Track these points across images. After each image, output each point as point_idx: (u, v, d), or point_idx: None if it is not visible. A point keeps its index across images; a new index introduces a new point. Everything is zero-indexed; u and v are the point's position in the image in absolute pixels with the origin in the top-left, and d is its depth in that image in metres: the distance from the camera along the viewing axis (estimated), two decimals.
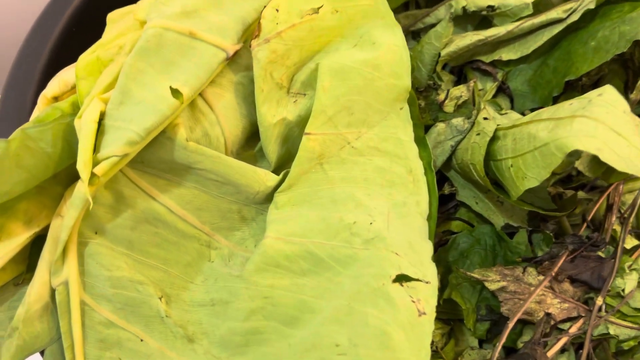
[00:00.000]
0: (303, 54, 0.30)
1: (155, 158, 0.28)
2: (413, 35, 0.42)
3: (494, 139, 0.31)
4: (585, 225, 0.31)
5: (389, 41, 0.30)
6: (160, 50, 0.27)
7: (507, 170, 0.29)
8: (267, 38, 0.28)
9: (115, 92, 0.26)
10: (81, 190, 0.25)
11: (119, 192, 0.28)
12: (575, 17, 0.35)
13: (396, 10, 0.42)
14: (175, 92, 0.26)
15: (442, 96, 0.35)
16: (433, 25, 0.41)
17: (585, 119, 0.25)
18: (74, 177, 0.29)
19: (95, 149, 0.26)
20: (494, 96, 0.39)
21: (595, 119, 0.25)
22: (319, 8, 0.29)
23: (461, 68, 0.40)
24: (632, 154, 0.24)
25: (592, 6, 0.35)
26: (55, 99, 0.30)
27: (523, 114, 0.38)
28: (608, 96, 0.26)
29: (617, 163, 0.24)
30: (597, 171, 0.28)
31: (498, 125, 0.31)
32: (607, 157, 0.24)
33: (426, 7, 0.45)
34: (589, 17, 0.36)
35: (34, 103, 0.38)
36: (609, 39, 0.33)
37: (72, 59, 0.39)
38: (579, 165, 0.28)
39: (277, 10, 0.28)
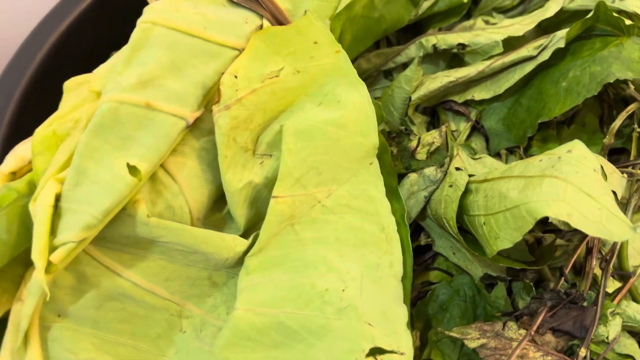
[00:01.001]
0: (267, 115, 0.29)
1: (117, 234, 0.27)
2: (385, 74, 0.42)
3: (467, 192, 0.30)
4: (562, 279, 0.30)
5: (354, 99, 0.29)
6: (116, 126, 0.26)
7: (480, 228, 0.28)
8: (228, 105, 0.28)
9: (71, 172, 0.25)
10: (38, 279, 0.24)
11: (81, 272, 0.27)
12: (546, 56, 0.35)
13: (368, 49, 0.42)
14: (133, 169, 0.26)
15: (414, 143, 0.34)
16: (405, 64, 0.41)
17: (555, 179, 0.25)
18: None
19: (52, 231, 0.25)
20: (469, 136, 0.38)
21: (565, 180, 0.24)
22: (279, 70, 0.29)
23: (434, 108, 0.39)
24: (603, 216, 0.23)
25: (562, 45, 0.34)
26: (13, 174, 0.29)
27: (498, 154, 0.37)
28: (577, 152, 0.26)
29: (588, 228, 0.23)
30: (571, 225, 0.27)
31: (470, 177, 0.30)
32: (577, 223, 0.23)
33: (398, 44, 0.44)
34: (560, 53, 0.35)
35: None
36: (580, 80, 0.33)
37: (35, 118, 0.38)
38: (553, 220, 0.27)
39: (236, 77, 0.27)
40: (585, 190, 0.24)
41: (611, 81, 0.31)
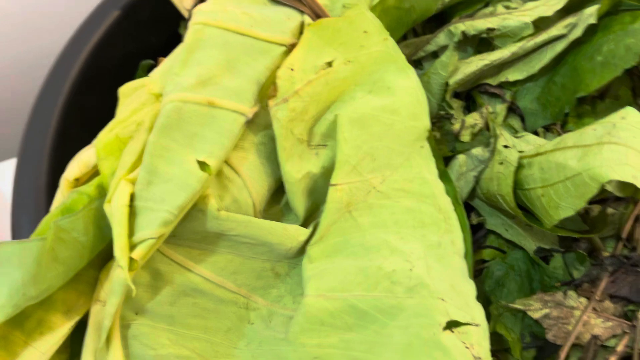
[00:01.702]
0: (320, 106, 0.30)
1: (188, 231, 0.28)
2: (415, 63, 0.43)
3: (519, 167, 0.31)
4: (620, 244, 0.31)
5: (404, 84, 0.30)
6: (182, 124, 0.27)
7: (537, 200, 0.29)
8: (285, 98, 0.28)
9: (142, 172, 0.26)
10: (121, 277, 0.25)
11: (156, 269, 0.28)
12: (578, 33, 0.36)
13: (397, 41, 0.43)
14: (203, 165, 0.26)
15: (457, 126, 0.35)
16: (434, 53, 0.42)
17: (614, 145, 0.25)
18: (107, 258, 0.29)
19: (129, 231, 0.26)
20: (505, 117, 0.39)
21: (625, 145, 0.25)
22: (332, 61, 0.29)
23: (468, 92, 0.40)
24: None
25: (593, 21, 0.35)
26: (77, 180, 0.30)
27: (536, 132, 0.38)
28: (632, 119, 0.26)
29: None
30: (628, 191, 0.28)
31: (520, 152, 0.31)
32: None
33: (423, 34, 0.45)
34: (590, 30, 0.36)
35: (49, 175, 0.38)
36: (616, 53, 0.34)
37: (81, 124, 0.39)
38: (608, 186, 0.28)
39: (292, 70, 0.28)
40: None
41: None
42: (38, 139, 0.39)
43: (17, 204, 0.35)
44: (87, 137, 0.41)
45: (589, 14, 0.36)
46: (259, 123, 0.30)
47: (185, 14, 0.41)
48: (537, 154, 0.30)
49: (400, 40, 0.43)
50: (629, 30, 0.34)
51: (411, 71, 0.30)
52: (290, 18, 0.32)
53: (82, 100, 0.42)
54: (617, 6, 0.37)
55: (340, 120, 0.30)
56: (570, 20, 0.37)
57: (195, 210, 0.27)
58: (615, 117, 0.27)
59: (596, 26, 0.36)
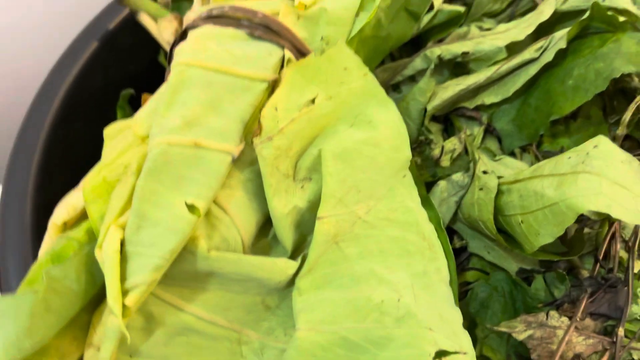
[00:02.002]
0: (304, 141, 0.31)
1: (179, 272, 0.28)
2: (393, 87, 0.44)
3: (498, 193, 0.32)
4: (598, 264, 0.32)
5: (385, 118, 0.31)
6: (169, 167, 0.27)
7: (517, 226, 0.30)
8: (270, 136, 0.29)
9: (132, 216, 0.26)
10: (115, 323, 0.25)
11: (148, 312, 0.28)
12: (549, 57, 0.37)
13: (374, 67, 0.44)
14: (192, 207, 0.27)
15: (436, 151, 0.36)
16: (412, 77, 0.43)
17: (589, 174, 0.26)
18: (98, 300, 0.29)
19: (121, 276, 0.26)
20: (482, 139, 0.40)
21: (598, 174, 0.26)
22: (314, 98, 0.30)
23: (446, 115, 0.41)
24: (639, 205, 0.25)
25: (563, 45, 0.36)
26: (65, 224, 0.30)
27: (513, 153, 0.39)
28: (604, 147, 0.28)
29: (628, 217, 0.25)
30: (603, 214, 0.29)
31: (499, 179, 0.32)
32: (617, 213, 0.25)
33: (400, 57, 0.46)
34: (561, 53, 0.38)
35: (33, 214, 0.38)
36: (586, 77, 0.35)
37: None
38: (586, 212, 0.29)
39: (276, 109, 0.29)
40: (619, 182, 0.26)
41: (617, 76, 0.33)
42: (21, 177, 0.39)
43: (2, 246, 0.35)
44: (69, 172, 0.41)
45: (559, 38, 0.37)
46: (244, 160, 0.31)
47: (166, 46, 0.41)
48: (516, 181, 0.31)
49: (378, 64, 0.44)
50: (597, 54, 0.35)
51: (391, 105, 0.31)
52: (271, 53, 0.33)
53: (64, 133, 0.42)
54: (585, 29, 0.38)
55: (324, 155, 0.30)
56: (541, 43, 0.38)
57: (185, 251, 0.27)
58: (589, 146, 0.28)
59: (566, 49, 0.38)
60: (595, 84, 0.34)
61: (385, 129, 0.31)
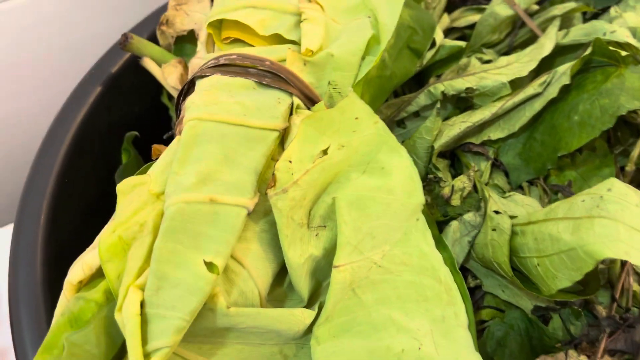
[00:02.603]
0: (317, 189, 0.31)
1: (199, 329, 0.28)
2: (398, 123, 0.44)
3: (512, 234, 0.32)
4: (615, 303, 0.32)
5: (397, 164, 0.31)
6: (186, 226, 0.27)
7: (534, 268, 0.30)
8: (285, 188, 0.29)
9: (151, 278, 0.26)
10: None
11: None
12: (553, 93, 0.37)
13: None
14: (210, 265, 0.27)
15: (446, 190, 0.36)
16: (416, 113, 0.43)
17: (605, 220, 0.27)
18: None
19: (142, 340, 0.26)
20: (490, 173, 0.40)
21: (615, 219, 0.26)
22: (327, 149, 0.30)
23: (453, 151, 0.41)
24: None
25: (566, 81, 0.37)
26: (80, 282, 0.29)
27: (520, 187, 0.40)
28: (618, 190, 0.28)
29: None
30: None
31: (513, 220, 0.32)
32: (636, 260, 0.25)
33: (403, 92, 0.47)
34: (564, 87, 0.38)
35: (44, 265, 0.38)
36: (592, 114, 0.35)
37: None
38: None
39: (290, 162, 0.29)
40: (636, 227, 0.26)
41: (623, 113, 0.34)
42: (30, 228, 0.38)
43: (14, 300, 0.35)
44: (78, 219, 0.41)
45: (562, 73, 0.38)
46: (258, 211, 0.31)
47: (171, 91, 0.41)
48: (530, 223, 0.31)
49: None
50: (602, 90, 0.36)
51: (403, 150, 0.31)
52: (280, 101, 0.33)
53: (71, 180, 0.42)
54: (587, 63, 0.39)
55: (338, 203, 0.30)
56: (544, 78, 0.39)
57: (205, 309, 0.27)
58: (602, 189, 0.28)
59: (570, 84, 0.38)
60: (601, 120, 0.34)
61: (398, 174, 0.31)
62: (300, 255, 0.30)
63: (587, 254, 0.26)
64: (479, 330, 0.35)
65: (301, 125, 0.29)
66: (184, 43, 0.45)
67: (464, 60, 0.48)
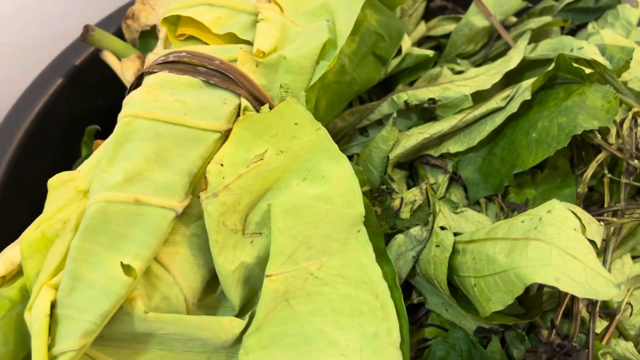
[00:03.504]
0: (253, 195, 0.30)
1: (116, 332, 0.27)
2: (360, 131, 0.43)
3: (454, 252, 0.31)
4: (554, 331, 0.31)
5: (337, 172, 0.30)
6: (107, 226, 0.26)
7: (471, 288, 0.29)
8: (216, 192, 0.28)
9: (65, 277, 0.25)
10: None
11: None
12: (514, 108, 0.36)
13: (341, 110, 0.43)
14: (127, 268, 0.26)
15: (397, 202, 0.35)
16: (379, 121, 0.42)
17: (540, 242, 0.26)
18: None
19: (50, 340, 0.25)
20: (447, 186, 0.39)
21: (549, 243, 0.25)
22: (263, 153, 0.29)
23: (412, 162, 0.40)
24: (588, 276, 0.24)
25: (528, 97, 0.36)
26: (3, 277, 0.29)
27: (478, 202, 0.39)
28: (557, 212, 0.27)
29: (576, 290, 0.24)
30: None
31: (456, 237, 0.31)
32: (565, 286, 0.24)
33: (369, 99, 0.46)
34: (527, 103, 0.37)
35: None
36: (549, 131, 0.34)
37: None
38: None
39: (222, 165, 0.28)
40: (569, 252, 0.25)
41: (579, 132, 0.32)
42: None
43: None
44: (29, 213, 0.40)
45: (525, 88, 0.37)
46: (191, 214, 0.30)
47: (128, 86, 0.41)
48: (471, 241, 0.30)
49: (346, 107, 0.44)
50: (562, 107, 0.35)
51: (344, 159, 0.30)
52: (226, 102, 0.32)
53: (22, 173, 0.41)
54: (552, 79, 0.38)
55: (274, 210, 0.29)
56: (508, 92, 0.38)
57: (121, 313, 0.26)
58: (542, 211, 0.27)
59: (533, 99, 0.37)
60: (557, 139, 0.33)
61: (338, 184, 0.30)
62: (231, 262, 0.29)
63: (518, 277, 0.25)
64: (421, 349, 0.34)
65: (235, 128, 0.29)
66: (149, 38, 0.44)
67: (436, 70, 0.47)
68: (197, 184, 0.30)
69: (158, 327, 0.27)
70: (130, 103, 0.30)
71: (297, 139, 0.30)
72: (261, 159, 0.29)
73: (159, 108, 0.30)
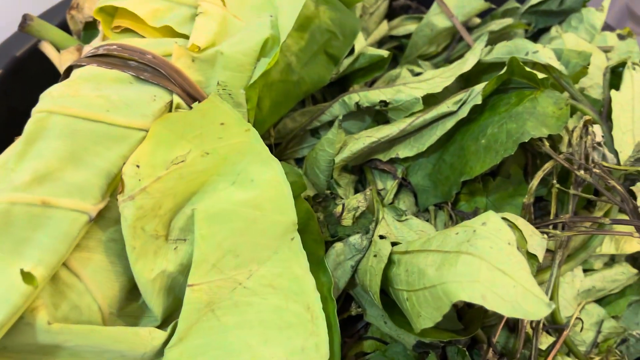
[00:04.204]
0: (177, 199, 0.28)
1: (18, 344, 0.25)
2: (312, 132, 0.41)
3: (390, 263, 0.29)
4: (491, 350, 0.29)
5: (268, 177, 0.28)
6: (8, 229, 0.24)
7: (404, 302, 0.27)
8: (132, 195, 0.26)
9: None
10: None
11: None
12: (464, 112, 0.35)
13: (293, 108, 0.41)
14: (28, 276, 0.24)
15: (339, 208, 0.34)
16: (330, 122, 0.40)
17: (470, 257, 0.24)
18: None
19: None
20: (397, 192, 0.38)
21: (480, 257, 0.24)
22: (186, 154, 0.27)
23: (361, 166, 0.39)
24: (518, 294, 0.23)
25: (478, 101, 0.34)
26: None
27: (428, 210, 0.37)
28: (492, 225, 0.25)
29: (504, 309, 0.22)
30: None
31: (393, 247, 0.30)
32: (492, 305, 0.22)
33: (323, 99, 0.44)
34: (479, 108, 0.35)
35: None
36: (498, 138, 0.33)
37: None
38: None
39: (138, 166, 0.26)
40: (500, 267, 0.23)
41: (526, 140, 0.31)
42: None
43: None
44: None
45: (477, 92, 0.35)
46: (108, 217, 0.28)
47: None
48: (406, 252, 0.28)
49: (298, 107, 0.42)
50: (512, 113, 0.33)
51: (276, 163, 0.29)
52: (156, 98, 0.30)
53: None
54: (507, 83, 0.36)
55: (197, 215, 0.28)
56: (460, 96, 0.36)
57: (22, 323, 0.24)
58: (477, 222, 0.26)
59: (485, 104, 0.36)
60: (505, 146, 0.32)
61: (268, 189, 0.28)
62: (151, 269, 0.28)
63: (445, 294, 0.24)
64: None
65: (153, 127, 0.27)
66: (93, 30, 0.42)
67: (396, 71, 0.46)
68: (116, 186, 0.28)
69: (65, 338, 0.25)
70: (47, 97, 0.28)
71: (223, 139, 0.28)
72: (183, 161, 0.27)
73: (78, 104, 0.28)
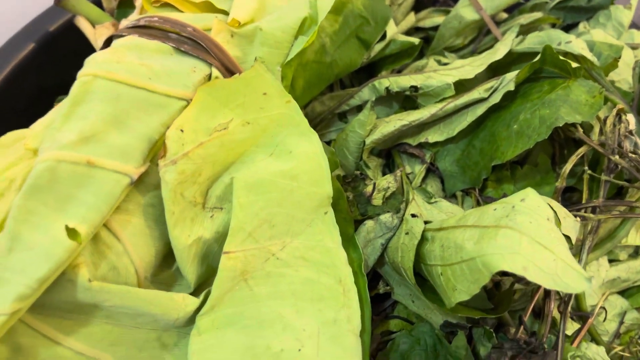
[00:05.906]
0: (216, 167, 0.29)
1: (57, 301, 0.25)
2: (339, 116, 0.41)
3: (423, 240, 0.29)
4: (522, 327, 0.30)
5: (306, 149, 0.29)
6: (54, 186, 0.25)
7: (437, 278, 0.28)
8: (174, 159, 0.26)
9: (4, 237, 0.24)
10: None
11: (16, 343, 0.25)
12: (497, 99, 0.35)
13: (322, 91, 0.42)
14: (72, 232, 0.24)
15: (369, 188, 0.34)
16: (359, 106, 0.41)
17: (510, 230, 0.24)
18: None
19: None
20: (424, 177, 0.38)
21: (519, 231, 0.24)
22: (228, 122, 0.28)
23: (389, 150, 0.39)
24: (558, 268, 0.23)
25: (511, 88, 0.35)
26: None
27: (454, 196, 0.37)
28: (531, 201, 0.25)
29: (544, 280, 0.23)
30: None
31: (426, 225, 0.30)
32: (533, 276, 0.23)
33: (351, 85, 0.44)
34: (510, 95, 0.36)
35: None
36: (530, 123, 0.33)
37: None
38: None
39: (182, 131, 0.26)
40: (540, 241, 0.23)
41: (560, 125, 0.31)
42: None
43: None
44: None
45: (510, 79, 0.36)
46: (148, 182, 0.28)
47: None
48: (441, 229, 0.29)
49: (326, 92, 0.42)
50: (545, 100, 0.33)
51: (314, 136, 0.29)
52: (196, 70, 0.30)
53: None
54: (538, 72, 0.37)
55: (236, 184, 0.28)
56: (492, 83, 0.37)
57: (64, 280, 0.25)
58: (516, 199, 0.26)
59: (516, 92, 0.36)
60: (538, 131, 0.32)
61: (306, 161, 0.29)
62: (188, 236, 0.28)
63: (484, 265, 0.24)
64: (385, 341, 0.33)
65: (198, 93, 0.27)
66: (127, 8, 0.43)
67: (423, 62, 0.46)
68: (157, 151, 0.28)
69: (103, 298, 0.25)
70: (92, 62, 0.28)
71: (265, 110, 0.28)
72: (225, 128, 0.27)
73: (121, 69, 0.28)
